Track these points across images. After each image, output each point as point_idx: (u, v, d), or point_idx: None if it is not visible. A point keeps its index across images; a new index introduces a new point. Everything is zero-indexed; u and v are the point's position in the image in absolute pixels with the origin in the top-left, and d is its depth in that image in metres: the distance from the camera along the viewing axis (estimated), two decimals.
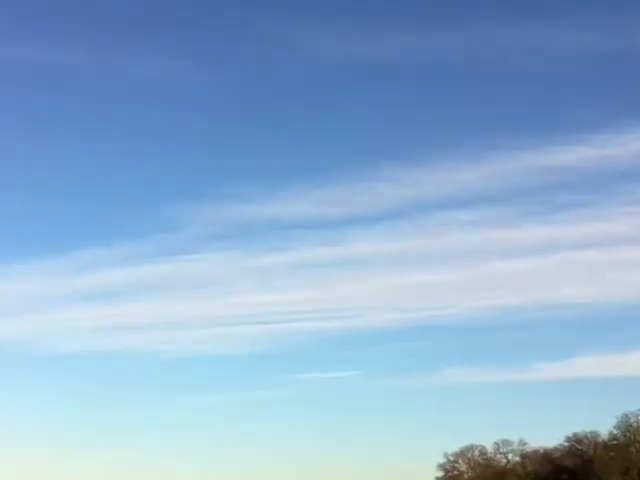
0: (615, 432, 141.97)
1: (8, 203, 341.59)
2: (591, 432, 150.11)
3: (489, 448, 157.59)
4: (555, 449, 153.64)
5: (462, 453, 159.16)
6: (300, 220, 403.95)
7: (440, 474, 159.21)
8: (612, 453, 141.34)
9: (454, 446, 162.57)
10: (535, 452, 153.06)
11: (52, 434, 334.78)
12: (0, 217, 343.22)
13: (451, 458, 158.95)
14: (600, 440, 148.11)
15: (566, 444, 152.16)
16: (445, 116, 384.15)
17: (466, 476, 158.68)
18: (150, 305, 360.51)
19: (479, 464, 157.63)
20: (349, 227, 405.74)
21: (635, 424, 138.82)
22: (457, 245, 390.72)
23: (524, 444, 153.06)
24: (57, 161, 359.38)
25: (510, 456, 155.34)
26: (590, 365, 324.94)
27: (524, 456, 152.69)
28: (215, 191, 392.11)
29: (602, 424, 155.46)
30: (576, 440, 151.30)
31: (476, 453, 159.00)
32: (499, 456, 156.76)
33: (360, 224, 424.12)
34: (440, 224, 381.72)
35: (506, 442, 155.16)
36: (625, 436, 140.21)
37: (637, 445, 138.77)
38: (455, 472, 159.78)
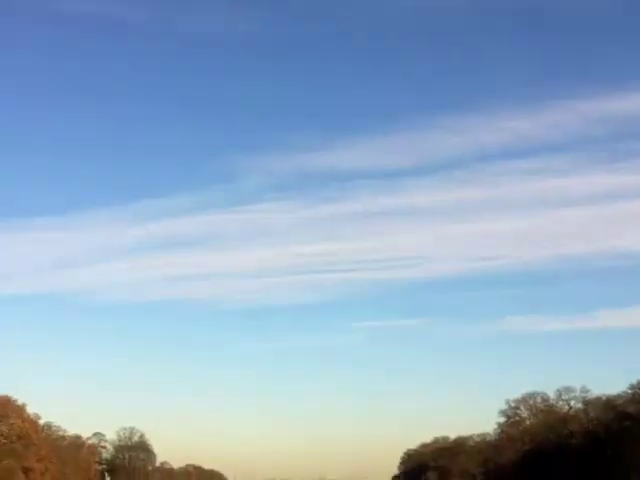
0: None
1: (75, 156, 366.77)
2: None
3: (551, 395, 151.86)
4: (618, 396, 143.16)
5: (524, 400, 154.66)
6: (359, 170, 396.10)
7: (502, 420, 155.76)
8: None
9: (516, 393, 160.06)
10: (598, 399, 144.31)
11: (121, 377, 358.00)
12: (67, 169, 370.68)
13: (513, 404, 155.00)
14: None
15: (629, 391, 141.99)
16: (504, 65, 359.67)
17: (528, 422, 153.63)
18: (212, 255, 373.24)
19: (541, 410, 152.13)
20: (408, 177, 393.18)
21: None
22: (518, 194, 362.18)
23: (586, 391, 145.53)
24: (121, 117, 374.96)
25: (572, 403, 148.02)
26: None
27: (586, 403, 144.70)
28: (275, 141, 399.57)
29: None
30: None
31: (538, 400, 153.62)
32: (561, 403, 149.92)
33: (420, 174, 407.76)
34: (500, 173, 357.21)
35: (568, 389, 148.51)
36: None
37: None
38: (517, 418, 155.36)
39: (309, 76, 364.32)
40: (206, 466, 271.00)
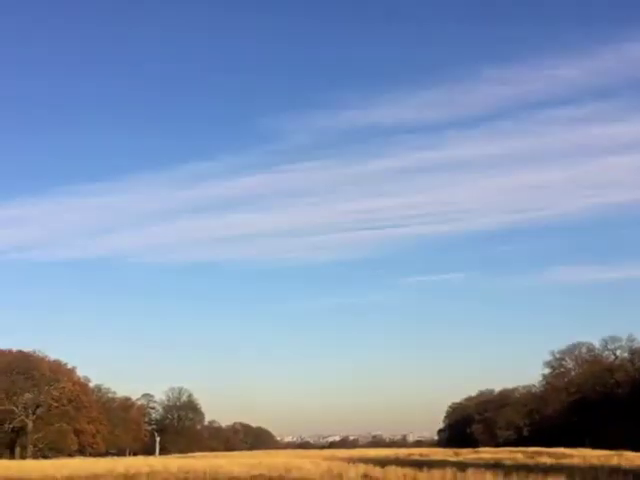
0: None
1: (117, 121, 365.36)
2: None
3: (597, 345, 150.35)
4: None
5: (569, 350, 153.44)
6: (401, 125, 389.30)
7: (547, 371, 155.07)
8: None
9: (562, 344, 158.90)
10: None
11: (168, 339, 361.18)
12: (110, 135, 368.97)
13: (558, 356, 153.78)
14: None
15: None
16: (547, 12, 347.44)
17: (573, 373, 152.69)
18: (256, 215, 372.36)
19: (586, 361, 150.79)
20: (451, 130, 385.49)
21: None
22: (562, 143, 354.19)
23: (632, 340, 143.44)
24: (162, 80, 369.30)
25: (618, 352, 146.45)
26: None
27: (633, 352, 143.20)
28: (314, 99, 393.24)
29: None
30: None
31: (583, 350, 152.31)
32: (607, 353, 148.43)
33: (462, 126, 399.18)
34: (543, 122, 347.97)
35: (614, 339, 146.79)
36: None
37: None
38: (562, 369, 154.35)
39: (349, 34, 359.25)
40: (253, 424, 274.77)
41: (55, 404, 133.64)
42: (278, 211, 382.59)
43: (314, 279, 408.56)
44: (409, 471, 37.66)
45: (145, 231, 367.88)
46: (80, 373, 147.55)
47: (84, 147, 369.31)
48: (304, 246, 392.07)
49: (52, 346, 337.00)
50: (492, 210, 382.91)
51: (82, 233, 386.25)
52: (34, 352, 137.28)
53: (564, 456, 62.27)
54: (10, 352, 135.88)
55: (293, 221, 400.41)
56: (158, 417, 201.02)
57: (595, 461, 51.74)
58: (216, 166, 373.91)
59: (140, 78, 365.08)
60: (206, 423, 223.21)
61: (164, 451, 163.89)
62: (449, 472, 35.22)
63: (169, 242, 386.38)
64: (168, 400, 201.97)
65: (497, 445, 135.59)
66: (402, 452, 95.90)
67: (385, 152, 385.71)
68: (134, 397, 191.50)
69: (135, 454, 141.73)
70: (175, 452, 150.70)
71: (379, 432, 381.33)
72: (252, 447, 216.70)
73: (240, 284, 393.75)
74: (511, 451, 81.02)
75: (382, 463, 47.69)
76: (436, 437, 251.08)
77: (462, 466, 41.53)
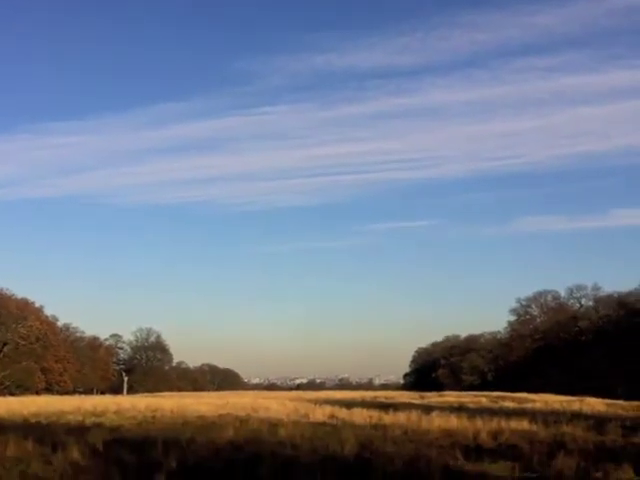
0: None
1: (89, 60, 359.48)
2: None
3: (562, 293, 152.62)
4: (629, 294, 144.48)
5: (535, 298, 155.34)
6: (376, 70, 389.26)
7: (513, 318, 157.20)
8: None
9: (528, 292, 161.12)
10: (609, 297, 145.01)
11: (138, 280, 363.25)
12: (82, 74, 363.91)
13: (524, 303, 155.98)
14: None
15: None
16: None
17: (538, 320, 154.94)
18: (228, 157, 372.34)
19: (552, 308, 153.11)
20: (425, 76, 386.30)
21: None
22: (536, 92, 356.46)
23: (598, 289, 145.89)
24: (135, 18, 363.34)
25: (583, 301, 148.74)
26: None
27: (597, 300, 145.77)
28: (291, 43, 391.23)
29: None
30: None
31: (549, 298, 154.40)
32: (572, 301, 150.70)
33: (436, 73, 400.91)
34: (518, 71, 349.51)
35: (580, 287, 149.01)
36: None
37: None
38: (527, 316, 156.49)
39: None
40: (221, 366, 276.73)
41: (22, 342, 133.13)
42: (250, 154, 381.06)
43: (284, 223, 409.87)
44: (375, 412, 38.10)
45: (115, 171, 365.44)
46: (48, 312, 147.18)
47: (51, 84, 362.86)
48: (274, 190, 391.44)
49: (19, 285, 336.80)
50: (463, 158, 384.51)
51: (50, 172, 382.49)
52: (0, 290, 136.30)
53: (527, 401, 63.35)
54: None
55: (264, 164, 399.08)
56: (126, 357, 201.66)
57: (557, 406, 52.71)
58: (187, 107, 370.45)
59: (113, 14, 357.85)
60: (174, 364, 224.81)
61: (132, 391, 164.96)
62: (414, 414, 35.67)
63: (138, 183, 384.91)
64: (137, 341, 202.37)
65: (462, 389, 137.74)
66: (368, 395, 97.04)
67: (359, 97, 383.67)
68: (102, 337, 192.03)
69: (103, 393, 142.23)
70: (143, 392, 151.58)
71: (346, 375, 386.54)
72: (219, 388, 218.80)
73: (208, 227, 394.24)
74: (475, 395, 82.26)
75: (348, 405, 48.24)
76: (402, 381, 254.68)
77: (427, 409, 42.11)
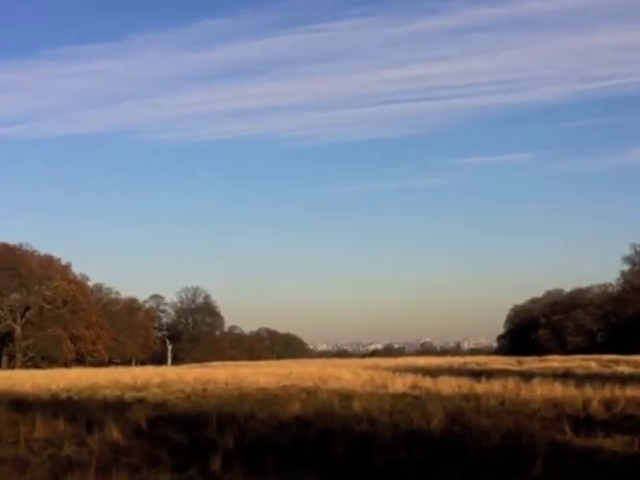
0: None
1: None
2: None
3: None
4: None
5: None
6: None
7: (626, 268, 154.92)
8: None
9: None
10: None
11: (182, 232, 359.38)
12: None
13: (639, 249, 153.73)
14: None
15: None
16: None
17: None
18: (284, 85, 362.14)
19: None
20: None
21: None
22: None
23: None
24: None
25: None
26: None
27: None
28: None
29: None
30: None
31: None
32: None
33: None
34: None
35: None
36: None
37: None
38: None
39: None
40: (281, 331, 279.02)
41: (47, 306, 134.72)
42: (307, 79, 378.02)
43: (350, 160, 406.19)
44: (465, 381, 38.11)
45: (149, 102, 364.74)
46: (76, 270, 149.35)
47: (88, 3, 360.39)
48: (338, 121, 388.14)
49: (42, 239, 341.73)
50: (565, 78, 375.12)
51: (72, 105, 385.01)
52: (20, 245, 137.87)
53: None
54: None
55: (324, 91, 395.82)
56: (170, 322, 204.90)
57: None
58: (234, 24, 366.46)
59: None
60: (226, 329, 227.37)
61: (177, 361, 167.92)
62: (511, 382, 35.56)
63: (177, 116, 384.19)
64: (181, 302, 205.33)
65: (567, 353, 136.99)
66: (456, 361, 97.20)
67: (437, 7, 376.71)
68: (141, 299, 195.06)
69: (143, 364, 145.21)
70: (190, 362, 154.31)
71: (428, 339, 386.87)
72: (280, 356, 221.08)
73: (261, 166, 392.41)
74: (583, 359, 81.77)
75: (433, 373, 48.31)
76: (495, 345, 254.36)
77: (527, 376, 41.96)
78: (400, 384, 38.76)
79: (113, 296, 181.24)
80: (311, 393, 34.31)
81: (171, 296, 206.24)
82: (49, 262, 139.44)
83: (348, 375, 48.27)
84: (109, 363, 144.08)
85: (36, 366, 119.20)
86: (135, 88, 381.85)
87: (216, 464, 15.03)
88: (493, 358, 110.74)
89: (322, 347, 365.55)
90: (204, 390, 38.32)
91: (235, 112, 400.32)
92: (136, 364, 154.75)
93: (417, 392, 34.31)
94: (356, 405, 26.64)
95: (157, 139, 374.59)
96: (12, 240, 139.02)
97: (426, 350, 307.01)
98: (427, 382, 39.00)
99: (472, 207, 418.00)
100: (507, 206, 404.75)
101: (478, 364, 79.64)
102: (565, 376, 45.08)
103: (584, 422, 21.68)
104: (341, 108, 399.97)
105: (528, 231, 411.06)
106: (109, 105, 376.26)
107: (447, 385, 36.43)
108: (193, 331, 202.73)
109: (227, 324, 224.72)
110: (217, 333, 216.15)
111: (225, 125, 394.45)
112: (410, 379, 41.33)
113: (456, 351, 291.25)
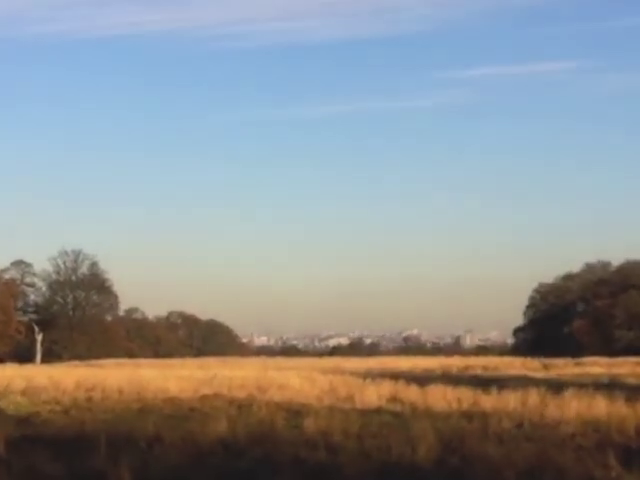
0: None
1: None
2: None
3: None
4: None
5: None
6: None
7: None
8: None
9: None
10: None
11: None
12: None
13: None
14: None
15: None
16: None
17: None
18: None
19: None
20: None
21: None
22: None
23: None
24: None
25: None
26: None
27: None
28: None
29: None
30: None
31: None
32: None
33: None
34: None
35: None
36: None
37: None
38: None
39: None
40: (203, 317, 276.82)
41: None
42: None
43: (298, 67, 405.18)
44: (466, 393, 38.47)
45: None
46: None
47: None
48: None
49: None
50: None
51: None
52: None
53: None
54: None
55: None
56: (40, 301, 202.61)
57: None
58: None
59: None
60: (122, 313, 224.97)
61: (51, 357, 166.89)
62: (534, 394, 35.97)
63: None
64: (57, 273, 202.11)
65: (614, 354, 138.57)
66: (454, 363, 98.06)
67: None
68: None
69: (1, 361, 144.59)
70: (69, 359, 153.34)
71: (415, 331, 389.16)
72: (200, 353, 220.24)
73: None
74: (637, 362, 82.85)
75: (420, 380, 48.69)
76: (511, 341, 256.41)
77: (555, 386, 42.41)
78: (373, 395, 39.06)
79: None
80: (244, 407, 34.52)
81: (42, 263, 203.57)
82: None
83: (298, 382, 48.55)
84: None
85: None
86: None
87: None
88: (507, 360, 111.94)
89: (261, 341, 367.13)
90: (89, 400, 38.39)
91: None
92: None
93: (397, 407, 34.65)
94: (310, 425, 26.78)
95: None
96: None
97: (411, 347, 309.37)
98: (412, 393, 39.35)
99: (478, 137, 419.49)
100: (530, 137, 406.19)
101: (486, 368, 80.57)
102: (611, 387, 45.62)
103: (638, 453, 21.94)
104: None
105: (560, 177, 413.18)
106: None
107: (441, 398, 36.78)
108: (74, 314, 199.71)
109: (123, 305, 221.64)
110: (109, 318, 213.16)
111: None
112: (387, 388, 41.69)
113: (455, 349, 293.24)
